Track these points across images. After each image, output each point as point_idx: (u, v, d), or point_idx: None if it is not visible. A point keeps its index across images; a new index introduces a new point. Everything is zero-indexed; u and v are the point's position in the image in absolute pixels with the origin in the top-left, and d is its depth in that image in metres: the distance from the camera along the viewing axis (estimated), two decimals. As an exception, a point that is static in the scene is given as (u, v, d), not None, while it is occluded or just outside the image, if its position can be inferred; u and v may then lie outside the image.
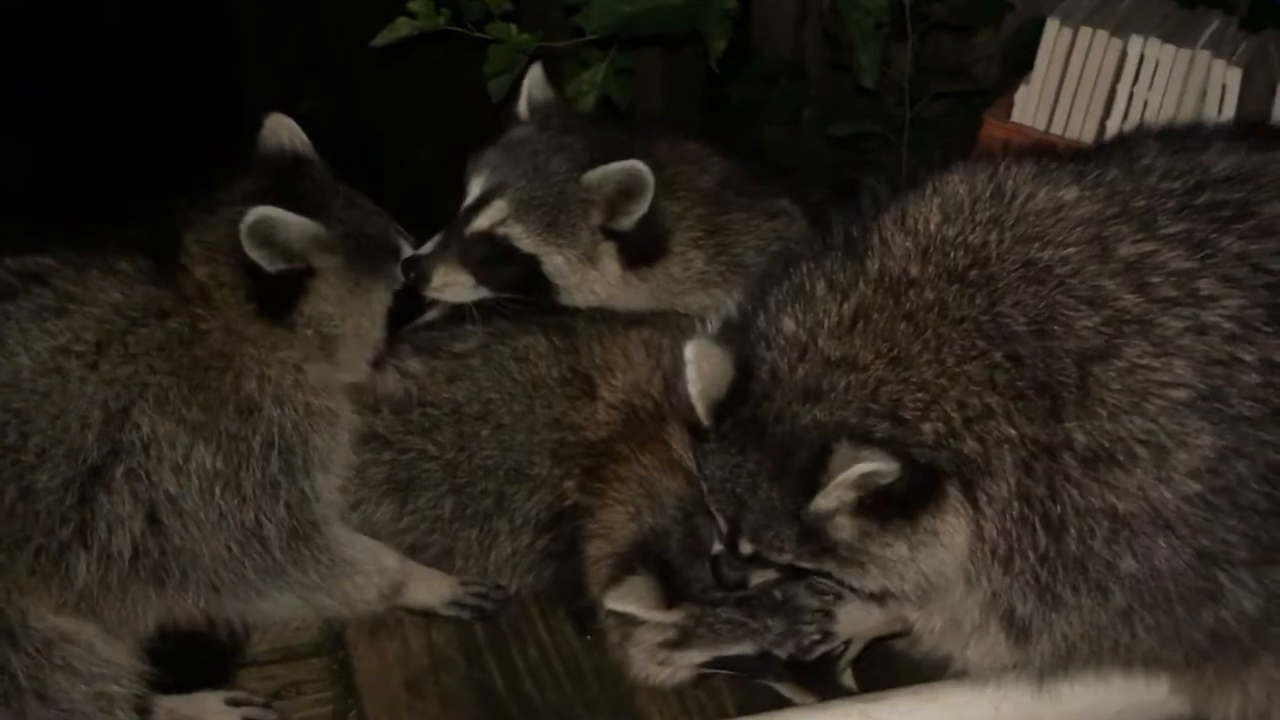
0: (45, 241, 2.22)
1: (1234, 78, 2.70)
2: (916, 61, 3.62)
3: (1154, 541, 1.74)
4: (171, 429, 2.11)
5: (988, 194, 1.85)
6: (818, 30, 4.08)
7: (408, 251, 2.42)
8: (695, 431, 1.92)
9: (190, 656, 2.25)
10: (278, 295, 2.21)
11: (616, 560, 2.27)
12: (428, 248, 2.44)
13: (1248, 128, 2.08)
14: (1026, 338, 1.74)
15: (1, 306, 2.11)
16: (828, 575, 1.92)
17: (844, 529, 1.79)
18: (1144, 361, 1.72)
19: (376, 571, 2.33)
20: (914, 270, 1.80)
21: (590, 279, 2.49)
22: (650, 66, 4.39)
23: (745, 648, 2.23)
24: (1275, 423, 1.72)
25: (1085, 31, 2.81)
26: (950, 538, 1.77)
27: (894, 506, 1.75)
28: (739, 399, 1.82)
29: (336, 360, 2.30)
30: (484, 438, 2.38)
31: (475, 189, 2.49)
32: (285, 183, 2.28)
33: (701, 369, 1.83)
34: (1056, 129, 2.84)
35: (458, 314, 2.51)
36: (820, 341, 1.79)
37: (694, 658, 2.26)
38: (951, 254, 1.80)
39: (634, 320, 2.52)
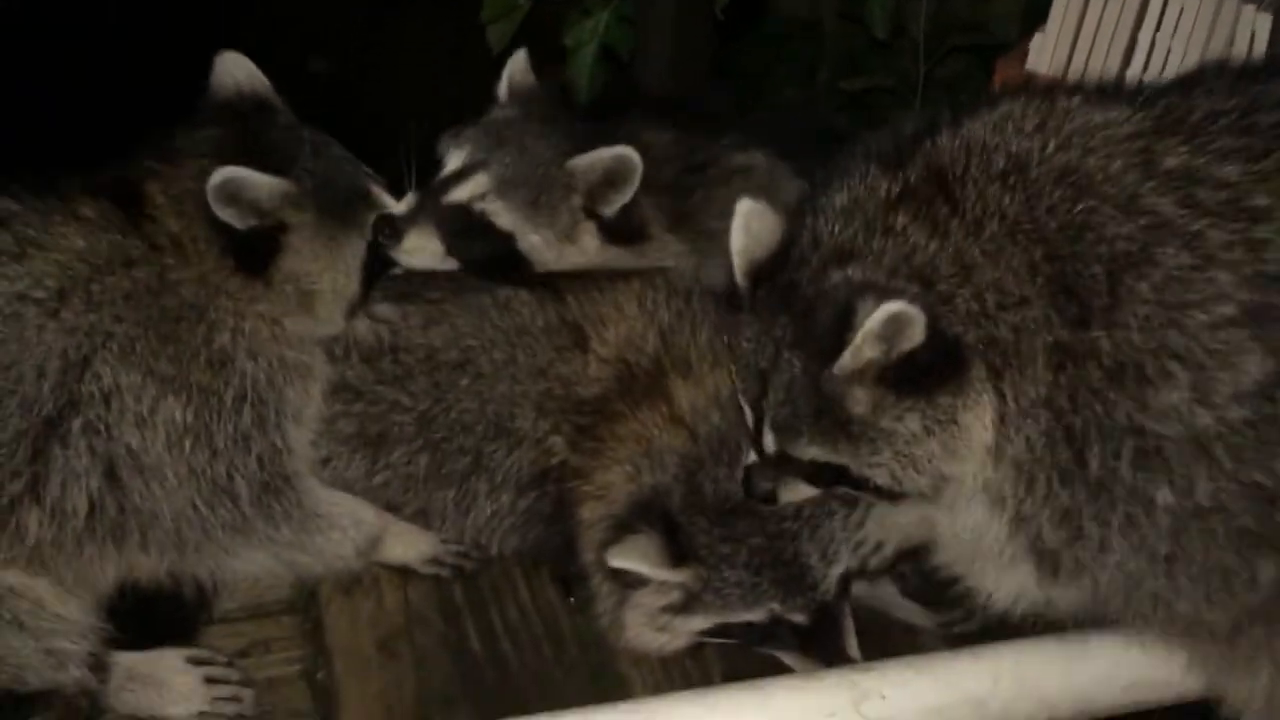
0: (5, 186, 2.14)
1: (1264, 23, 2.55)
2: (934, 18, 3.53)
3: (1194, 470, 1.64)
4: (136, 380, 2.05)
5: (1034, 109, 1.82)
6: (833, -15, 4.00)
7: (381, 196, 2.36)
8: (732, 302, 1.90)
9: (153, 613, 2.18)
10: (253, 251, 2.16)
11: (615, 522, 2.18)
12: (399, 208, 2.38)
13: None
14: (1060, 241, 1.69)
15: None
16: (844, 473, 1.85)
17: (860, 402, 1.74)
18: (1182, 274, 1.64)
19: (352, 526, 2.27)
20: (958, 169, 1.77)
21: (568, 254, 2.46)
22: (661, 27, 4.33)
23: (755, 614, 2.14)
24: None
25: (1104, -26, 2.69)
26: (969, 425, 1.72)
27: (914, 379, 1.71)
28: (779, 265, 1.82)
29: (315, 315, 2.25)
30: (461, 388, 2.30)
31: (454, 161, 2.44)
32: (251, 133, 2.22)
33: (749, 226, 1.85)
34: (1074, 78, 2.71)
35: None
36: (864, 212, 1.78)
37: (697, 624, 2.17)
38: (994, 158, 1.77)
39: (623, 274, 2.44)
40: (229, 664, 2.21)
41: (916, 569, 2.25)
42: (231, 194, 2.09)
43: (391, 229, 2.33)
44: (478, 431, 2.29)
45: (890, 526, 2.16)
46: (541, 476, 2.30)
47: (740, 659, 2.22)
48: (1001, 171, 1.76)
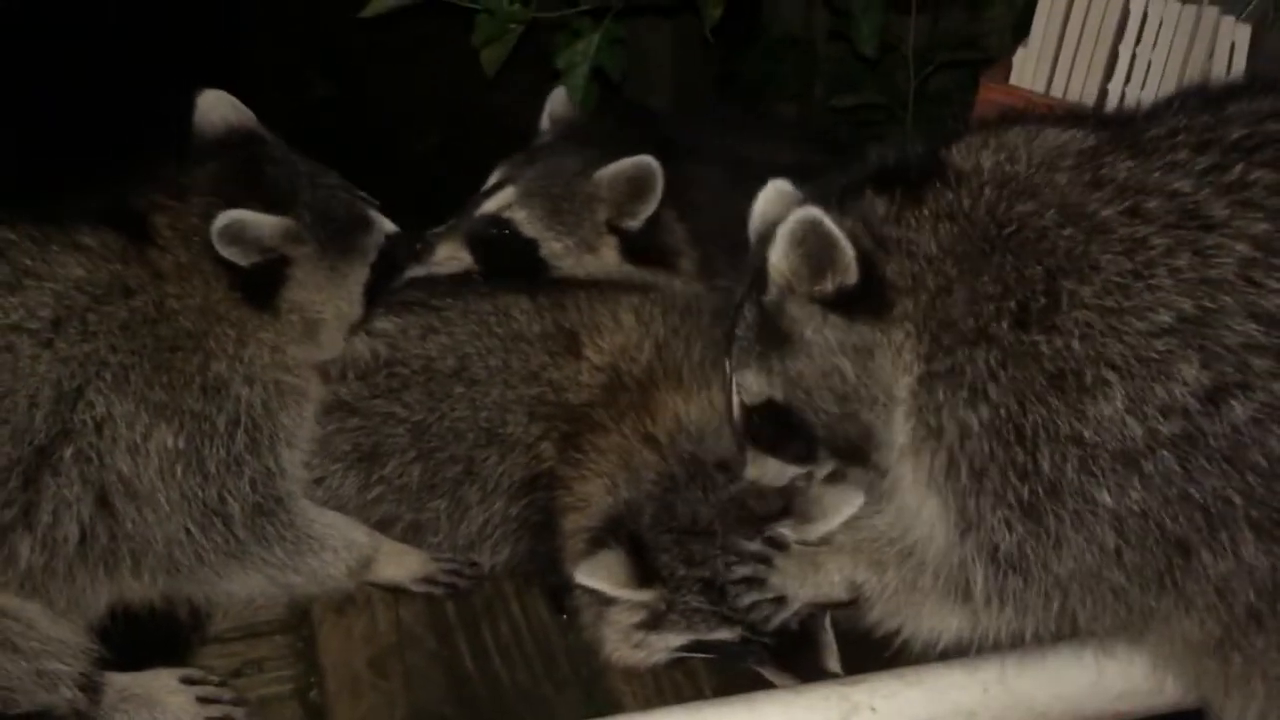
0: (6, 214, 2.17)
1: (1244, 35, 2.56)
2: (927, 33, 3.56)
3: (1126, 481, 1.67)
4: (130, 408, 2.07)
5: (997, 134, 1.91)
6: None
7: (378, 220, 2.40)
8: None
9: (146, 633, 2.20)
10: (259, 284, 2.21)
11: (591, 535, 2.19)
12: (440, 230, 2.56)
13: (1267, 83, 1.96)
14: (999, 238, 1.77)
15: None
16: (784, 415, 1.93)
17: (794, 318, 1.86)
18: (1123, 280, 1.67)
19: (344, 546, 2.28)
20: (929, 180, 1.88)
21: (587, 262, 2.55)
22: (660, 45, 4.36)
23: (724, 634, 2.15)
24: None
25: (1085, -13, 2.70)
26: (882, 364, 1.82)
27: (843, 304, 1.82)
28: None
29: (319, 341, 2.30)
30: (456, 396, 2.32)
31: (490, 181, 2.61)
32: (249, 169, 2.27)
33: (767, 202, 1.98)
34: (1056, 92, 2.72)
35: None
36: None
37: (670, 641, 2.17)
38: (954, 173, 1.87)
39: (624, 287, 2.48)
40: (222, 684, 2.20)
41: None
42: (235, 235, 2.14)
43: (426, 247, 2.48)
44: (470, 439, 2.31)
45: (814, 581, 2.15)
46: (531, 483, 2.31)
47: (732, 673, 2.21)
48: (956, 181, 1.85)
